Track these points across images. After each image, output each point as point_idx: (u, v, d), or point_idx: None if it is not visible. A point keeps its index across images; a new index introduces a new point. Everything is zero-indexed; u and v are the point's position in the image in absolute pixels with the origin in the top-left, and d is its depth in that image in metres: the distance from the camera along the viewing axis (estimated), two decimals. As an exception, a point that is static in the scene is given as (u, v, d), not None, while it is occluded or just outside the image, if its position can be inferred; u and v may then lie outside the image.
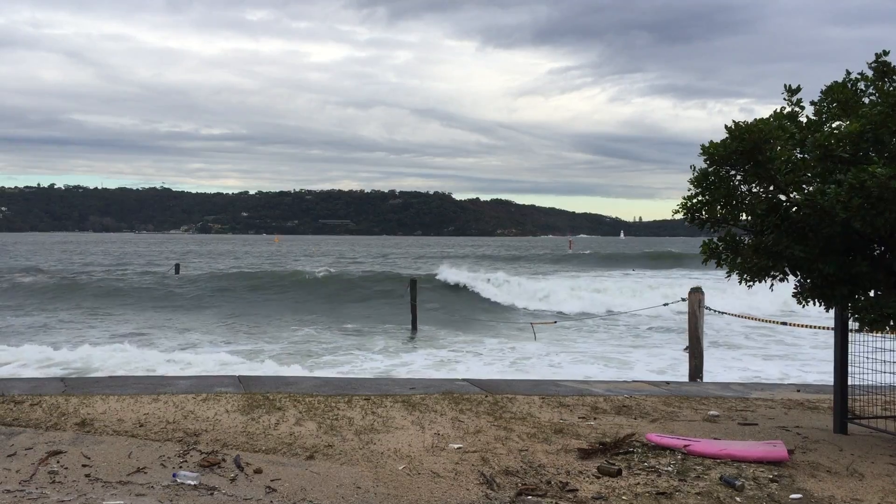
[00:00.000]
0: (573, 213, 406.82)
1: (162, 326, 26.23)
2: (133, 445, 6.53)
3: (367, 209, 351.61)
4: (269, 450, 6.58)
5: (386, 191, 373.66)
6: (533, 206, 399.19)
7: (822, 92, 7.18)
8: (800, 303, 7.14)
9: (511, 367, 17.53)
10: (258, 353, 19.41)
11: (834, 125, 6.97)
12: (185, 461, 6.18)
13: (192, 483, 5.69)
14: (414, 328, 24.33)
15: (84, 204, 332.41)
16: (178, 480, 5.72)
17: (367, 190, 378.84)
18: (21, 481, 5.64)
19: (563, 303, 33.14)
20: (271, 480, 5.82)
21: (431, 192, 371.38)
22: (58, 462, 6.05)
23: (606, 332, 24.53)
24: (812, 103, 7.23)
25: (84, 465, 5.99)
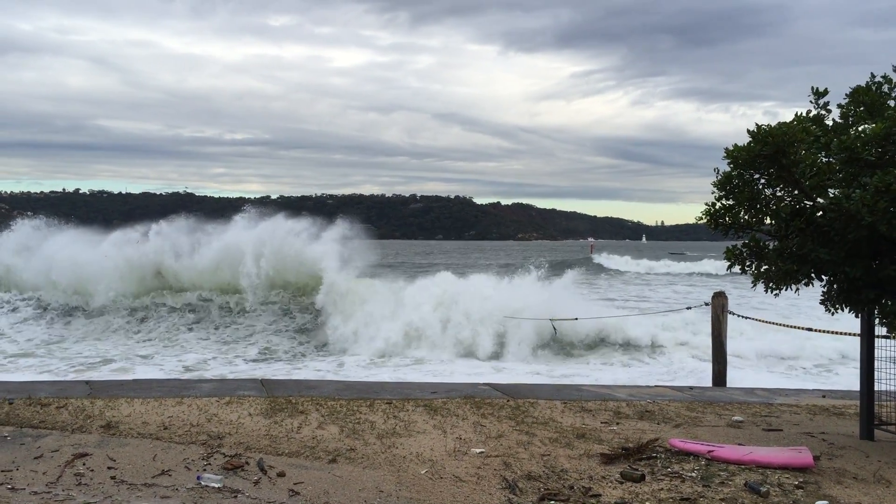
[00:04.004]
0: (594, 217, 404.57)
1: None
2: (158, 448, 6.59)
3: (387, 213, 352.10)
4: (292, 453, 6.61)
5: (407, 195, 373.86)
6: (554, 210, 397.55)
7: (847, 95, 7.11)
8: (828, 310, 7.05)
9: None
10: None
11: (860, 128, 6.90)
12: (209, 464, 6.22)
13: (217, 486, 5.73)
14: None
15: (108, 209, 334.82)
16: (203, 483, 5.76)
17: (389, 194, 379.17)
18: (48, 483, 5.70)
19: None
20: (294, 484, 5.84)
21: (452, 197, 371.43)
22: (84, 464, 6.12)
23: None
24: (839, 106, 7.17)
25: (109, 468, 6.06)
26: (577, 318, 22.40)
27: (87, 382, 9.98)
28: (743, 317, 14.11)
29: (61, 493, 5.49)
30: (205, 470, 6.08)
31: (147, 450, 6.53)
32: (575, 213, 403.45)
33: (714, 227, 7.27)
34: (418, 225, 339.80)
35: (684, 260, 78.42)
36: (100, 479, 5.80)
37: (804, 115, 7.07)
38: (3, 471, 5.93)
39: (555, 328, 20.33)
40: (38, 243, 25.03)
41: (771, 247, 7.10)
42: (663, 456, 6.73)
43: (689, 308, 17.03)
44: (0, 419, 7.37)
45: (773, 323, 15.09)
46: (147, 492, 5.58)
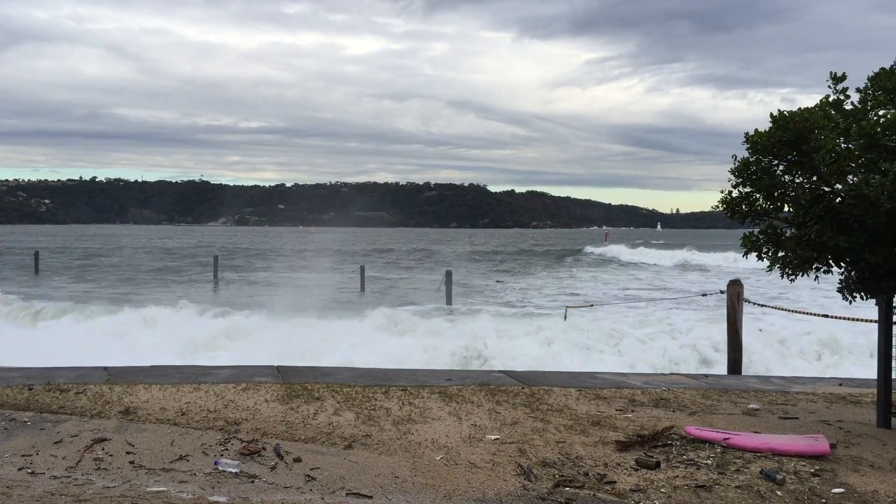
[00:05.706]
0: (609, 204, 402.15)
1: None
2: (175, 433, 6.64)
3: (402, 201, 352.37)
4: (308, 439, 6.66)
5: (421, 183, 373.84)
6: (568, 199, 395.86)
7: (868, 79, 7.03)
8: (845, 297, 7.00)
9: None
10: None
11: (880, 113, 6.82)
12: (227, 449, 6.27)
13: (234, 471, 5.78)
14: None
15: (125, 196, 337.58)
16: (220, 468, 5.81)
17: (403, 182, 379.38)
18: (67, 468, 5.77)
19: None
20: (311, 469, 5.88)
21: (466, 185, 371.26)
22: (103, 449, 6.18)
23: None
24: (858, 90, 7.09)
25: (128, 453, 6.11)
26: (591, 305, 22.48)
27: (105, 368, 10.07)
28: (759, 304, 14.06)
29: (81, 477, 5.55)
30: (222, 455, 6.13)
31: (165, 435, 6.58)
32: (589, 200, 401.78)
33: (731, 215, 7.23)
34: (433, 213, 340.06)
35: (652, 247, 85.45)
36: (118, 464, 5.86)
37: (826, 100, 7.00)
38: (23, 455, 6.01)
39: (566, 314, 20.50)
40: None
41: (788, 234, 7.06)
42: (679, 443, 6.72)
43: (704, 295, 17.00)
44: (20, 405, 7.45)
45: (788, 310, 15.03)
46: (165, 476, 5.63)
